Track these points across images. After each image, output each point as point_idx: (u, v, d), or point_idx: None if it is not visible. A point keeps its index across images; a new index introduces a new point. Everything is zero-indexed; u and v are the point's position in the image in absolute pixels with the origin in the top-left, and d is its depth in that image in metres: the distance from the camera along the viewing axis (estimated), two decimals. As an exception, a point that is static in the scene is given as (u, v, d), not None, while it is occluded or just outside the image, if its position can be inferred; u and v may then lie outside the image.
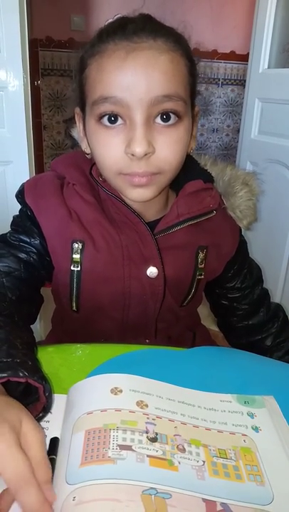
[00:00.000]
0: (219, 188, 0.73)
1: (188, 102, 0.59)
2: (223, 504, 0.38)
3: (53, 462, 0.40)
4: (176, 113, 0.56)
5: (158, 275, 0.67)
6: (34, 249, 0.67)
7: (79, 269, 0.66)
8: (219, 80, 3.06)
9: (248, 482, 0.40)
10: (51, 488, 0.37)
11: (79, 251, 0.66)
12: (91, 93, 0.58)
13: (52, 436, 0.44)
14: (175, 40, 0.56)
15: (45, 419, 0.45)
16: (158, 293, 0.69)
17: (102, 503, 0.35)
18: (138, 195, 0.60)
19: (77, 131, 0.68)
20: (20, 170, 1.54)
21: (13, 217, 0.71)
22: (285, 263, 1.77)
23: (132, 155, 0.55)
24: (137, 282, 0.68)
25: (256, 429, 0.47)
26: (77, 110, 0.65)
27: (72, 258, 0.66)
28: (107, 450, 0.40)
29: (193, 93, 0.62)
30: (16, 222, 0.70)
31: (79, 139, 0.68)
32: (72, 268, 0.66)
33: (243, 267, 0.80)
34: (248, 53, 1.91)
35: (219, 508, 0.37)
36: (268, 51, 1.80)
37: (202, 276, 0.73)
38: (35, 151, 1.68)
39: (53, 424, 0.45)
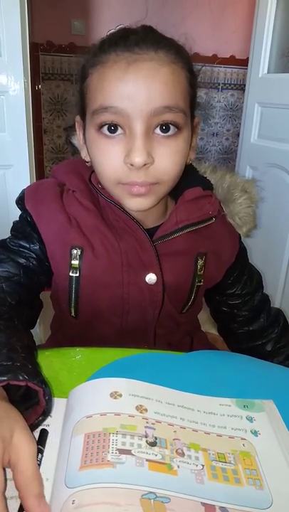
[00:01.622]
0: (218, 195, 0.73)
1: (188, 113, 0.60)
2: (222, 508, 0.38)
3: (40, 453, 0.41)
4: (175, 124, 0.57)
5: (157, 282, 0.67)
6: (34, 255, 0.67)
7: (78, 275, 0.66)
8: (219, 85, 3.07)
9: (247, 486, 0.41)
10: (44, 502, 0.37)
11: (78, 257, 0.66)
12: (92, 102, 0.58)
13: (50, 438, 0.44)
14: (176, 52, 0.57)
15: (45, 422, 0.46)
16: (157, 299, 0.69)
17: (102, 506, 0.35)
18: (137, 204, 0.61)
19: (77, 139, 0.69)
20: (20, 174, 1.55)
21: (13, 222, 0.71)
22: (285, 267, 1.77)
23: (131, 165, 0.56)
24: (135, 288, 0.68)
25: (255, 433, 0.47)
26: (78, 118, 0.66)
27: (71, 264, 0.66)
28: (106, 454, 0.40)
29: (193, 104, 0.62)
30: (16, 227, 0.70)
31: (79, 146, 0.69)
32: (71, 274, 0.66)
33: (243, 274, 0.80)
34: (247, 58, 1.92)
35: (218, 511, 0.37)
36: (268, 56, 1.81)
37: (201, 283, 0.73)
38: (36, 155, 1.68)
39: (52, 428, 0.45)
